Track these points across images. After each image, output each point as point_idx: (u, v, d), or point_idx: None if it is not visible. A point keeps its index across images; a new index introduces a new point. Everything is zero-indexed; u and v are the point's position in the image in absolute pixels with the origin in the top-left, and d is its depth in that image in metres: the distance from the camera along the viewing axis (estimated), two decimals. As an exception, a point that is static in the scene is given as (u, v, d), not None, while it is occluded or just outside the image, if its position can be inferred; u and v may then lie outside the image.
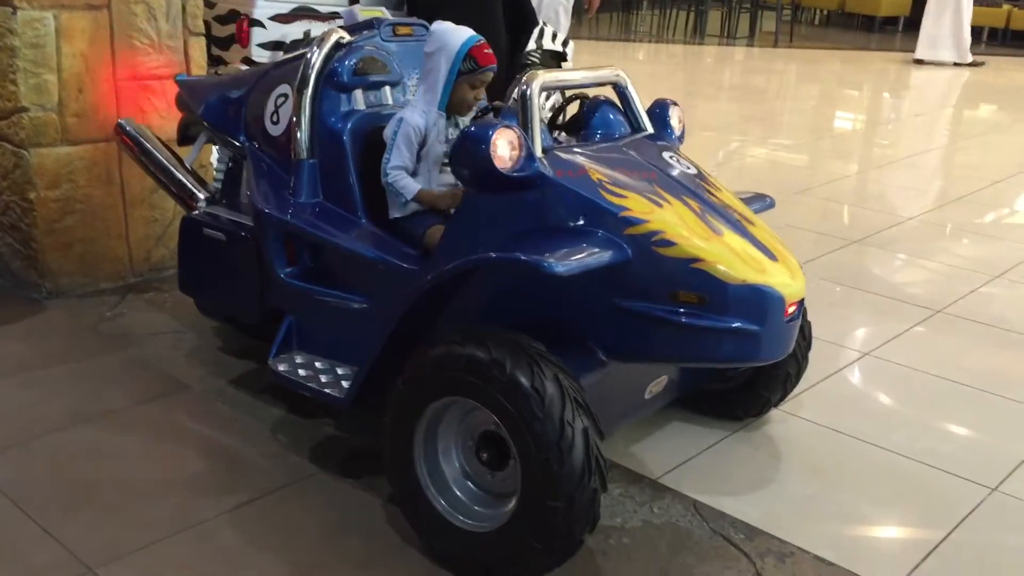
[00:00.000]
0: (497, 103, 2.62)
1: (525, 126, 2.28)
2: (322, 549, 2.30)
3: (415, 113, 2.56)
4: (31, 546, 2.25)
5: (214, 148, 3.37)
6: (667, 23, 14.51)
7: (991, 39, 13.86)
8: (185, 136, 3.37)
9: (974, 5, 13.45)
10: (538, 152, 2.27)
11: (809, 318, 2.82)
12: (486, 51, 2.58)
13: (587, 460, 2.01)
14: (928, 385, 3.32)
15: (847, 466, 2.78)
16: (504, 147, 2.19)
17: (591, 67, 2.63)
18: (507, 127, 2.21)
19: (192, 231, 3.04)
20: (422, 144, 2.56)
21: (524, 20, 4.46)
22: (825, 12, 15.98)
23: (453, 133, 2.60)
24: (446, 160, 2.55)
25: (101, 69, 3.56)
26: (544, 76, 2.37)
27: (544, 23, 5.18)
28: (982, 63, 11.77)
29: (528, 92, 2.30)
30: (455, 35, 2.57)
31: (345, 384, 2.55)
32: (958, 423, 3.09)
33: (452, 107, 2.59)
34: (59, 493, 2.46)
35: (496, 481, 2.24)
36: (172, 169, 3.28)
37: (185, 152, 3.35)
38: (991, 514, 2.57)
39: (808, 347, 2.84)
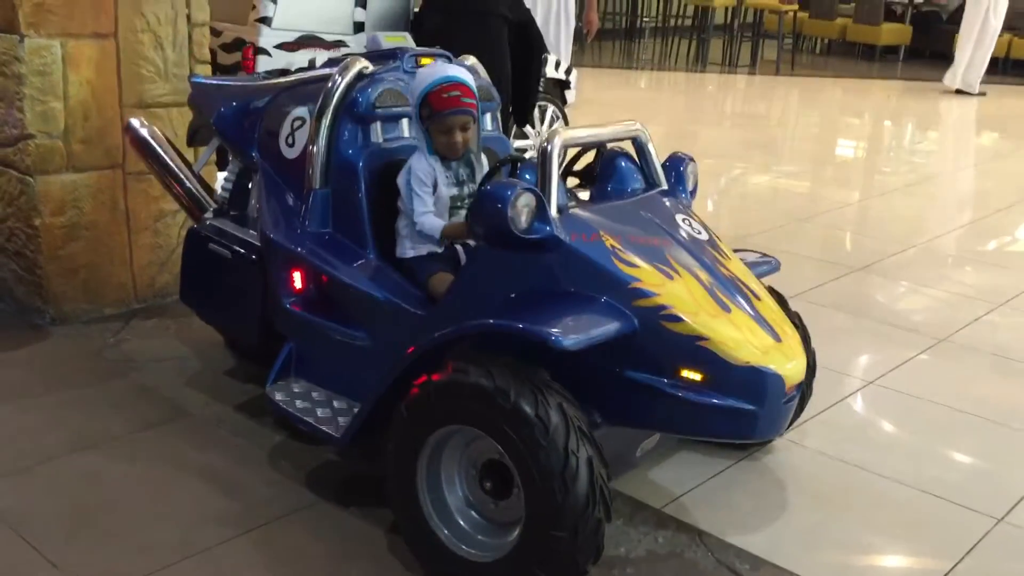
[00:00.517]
0: (516, 155, 2.62)
1: (543, 182, 2.29)
2: (324, 578, 2.28)
3: (421, 160, 2.57)
4: (30, 572, 2.24)
5: (219, 174, 3.37)
6: (669, 51, 14.59)
7: (991, 68, 13.92)
8: (193, 138, 3.35)
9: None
10: (553, 211, 2.27)
11: (813, 346, 2.81)
12: (446, 95, 2.52)
13: (591, 489, 2.00)
14: (933, 414, 3.31)
15: (852, 495, 2.76)
16: (522, 210, 2.20)
17: (612, 123, 2.61)
18: (527, 189, 2.21)
19: (198, 244, 3.02)
20: (434, 186, 2.56)
21: (531, 46, 4.48)
22: (826, 41, 16.05)
23: (464, 173, 2.61)
24: (458, 204, 2.57)
25: (107, 97, 3.57)
26: (566, 134, 2.37)
27: (547, 52, 5.22)
28: (983, 93, 11.84)
29: (549, 149, 2.30)
30: (420, 80, 2.57)
31: (341, 421, 2.54)
32: (963, 452, 3.08)
33: (440, 152, 2.58)
34: (60, 520, 2.45)
35: (500, 510, 2.23)
36: (180, 174, 3.23)
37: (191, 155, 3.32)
38: (998, 544, 2.56)
39: (812, 376, 2.83)
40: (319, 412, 2.59)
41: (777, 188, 6.74)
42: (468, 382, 2.08)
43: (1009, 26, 12.83)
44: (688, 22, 15.47)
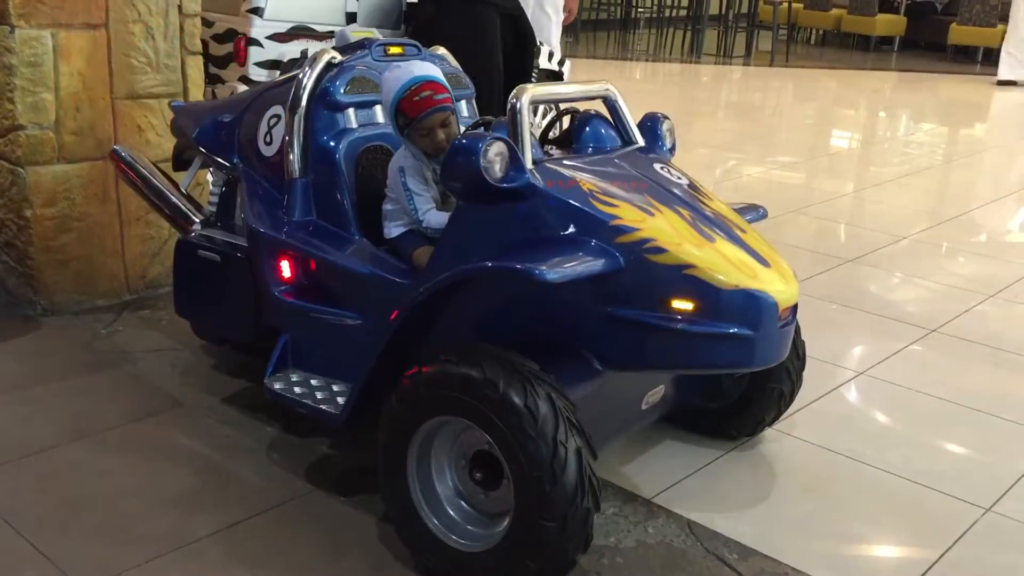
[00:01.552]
0: (488, 117, 2.63)
1: (515, 138, 2.29)
2: (315, 568, 2.29)
3: (410, 159, 2.56)
4: (21, 564, 2.25)
5: (209, 172, 3.37)
6: (664, 42, 14.59)
7: (986, 59, 13.94)
8: (180, 161, 3.38)
9: (974, 27, 13.56)
10: (528, 164, 2.28)
11: (804, 337, 2.82)
12: (417, 98, 2.50)
13: (580, 480, 2.01)
14: (923, 404, 3.32)
15: (842, 486, 2.77)
16: (493, 158, 2.20)
17: (581, 81, 2.64)
18: (497, 139, 2.22)
19: (187, 253, 3.04)
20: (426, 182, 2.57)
21: (523, 38, 4.48)
22: (821, 32, 16.07)
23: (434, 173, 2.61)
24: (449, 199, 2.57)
25: (98, 88, 3.57)
26: (534, 90, 2.38)
27: (540, 43, 5.20)
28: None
29: (518, 105, 2.31)
30: (387, 89, 2.55)
31: (341, 400, 2.54)
32: (953, 442, 3.09)
33: (428, 152, 2.56)
34: (51, 511, 2.45)
35: (489, 501, 2.24)
36: (167, 193, 3.28)
37: (180, 177, 3.36)
38: (986, 534, 2.57)
39: (802, 366, 2.84)
40: (318, 395, 2.60)
41: (771, 179, 6.75)
42: (457, 373, 2.08)
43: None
44: (683, 12, 15.46)
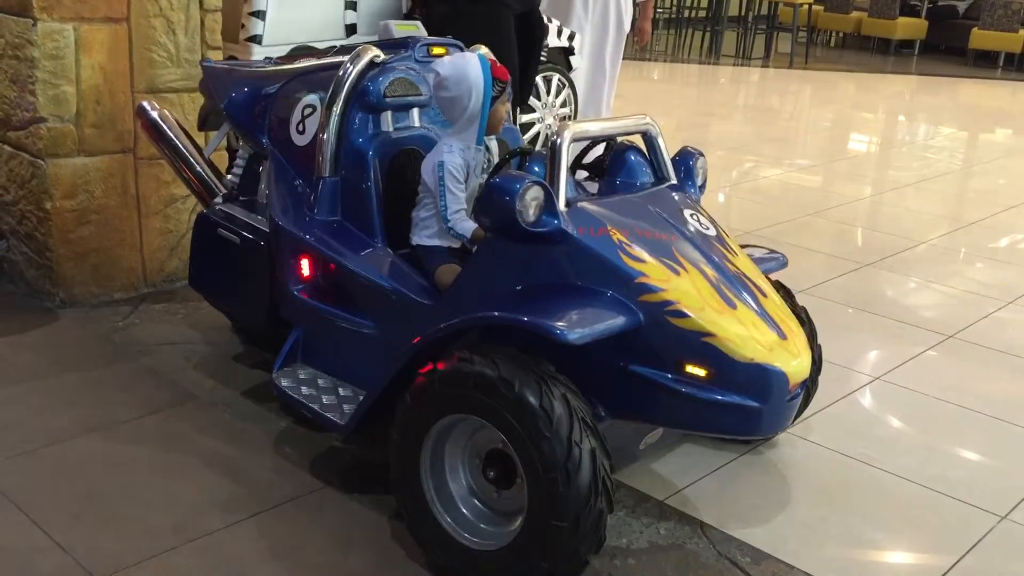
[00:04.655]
0: (526, 147, 2.62)
1: (552, 174, 2.28)
2: (327, 563, 2.30)
3: (454, 154, 2.55)
4: (37, 554, 2.26)
5: (238, 143, 3.33)
6: (682, 43, 14.54)
7: (1007, 64, 13.84)
8: (205, 122, 3.35)
9: (995, 31, 13.45)
10: (561, 205, 2.27)
11: (820, 341, 2.81)
12: (498, 65, 2.60)
13: (594, 480, 2.01)
14: (939, 410, 3.30)
15: (856, 491, 2.76)
16: (530, 202, 2.20)
17: (622, 116, 2.62)
18: (535, 183, 2.21)
19: (207, 229, 3.02)
20: (465, 180, 2.57)
21: (533, 33, 4.47)
22: (841, 34, 15.98)
23: (484, 157, 2.63)
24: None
25: (119, 81, 3.59)
26: (575, 128, 2.36)
27: (549, 18, 5.21)
28: None
29: (558, 142, 2.29)
30: (471, 67, 2.55)
31: (346, 408, 2.55)
32: (968, 449, 3.08)
33: (490, 130, 2.60)
34: (66, 501, 2.47)
35: (502, 499, 2.24)
36: (191, 159, 3.22)
37: (204, 140, 3.32)
38: (1001, 542, 2.55)
39: (818, 371, 2.83)
40: (324, 399, 2.60)
41: (788, 182, 6.72)
42: (473, 371, 2.09)
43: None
44: (702, 13, 15.40)
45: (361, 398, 2.51)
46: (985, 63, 14.07)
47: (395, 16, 4.74)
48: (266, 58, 3.46)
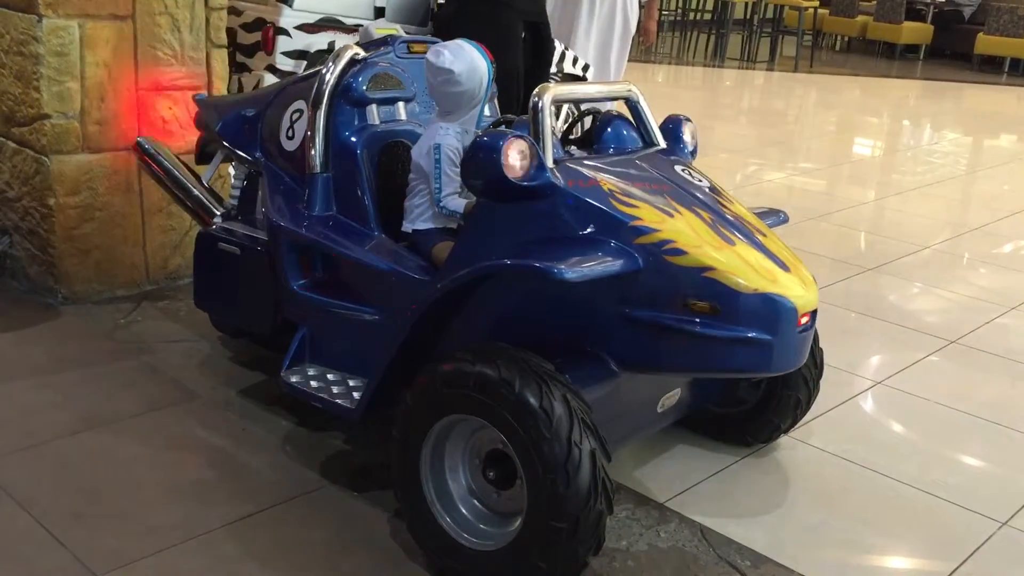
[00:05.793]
0: (509, 116, 2.63)
1: (537, 137, 2.29)
2: (327, 562, 2.30)
3: (449, 137, 2.54)
4: (37, 550, 2.26)
5: (231, 166, 3.39)
6: (687, 46, 14.54)
7: (1013, 70, 13.83)
8: (203, 154, 3.40)
9: (1001, 36, 13.43)
10: (549, 163, 2.27)
11: (822, 345, 2.81)
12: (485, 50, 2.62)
13: (594, 482, 2.01)
14: (940, 416, 3.30)
15: (856, 495, 2.76)
16: (515, 156, 2.20)
17: (604, 82, 2.65)
18: (518, 137, 2.22)
19: (207, 246, 3.06)
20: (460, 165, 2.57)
21: (542, 46, 4.47)
22: (846, 38, 15.97)
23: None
24: None
25: (123, 79, 3.59)
26: (556, 89, 2.38)
27: (566, 47, 5.19)
28: None
29: (540, 104, 2.32)
30: (476, 58, 2.56)
31: (356, 395, 2.55)
32: (969, 455, 3.07)
33: None
34: (67, 498, 2.47)
35: (502, 500, 2.24)
36: (189, 186, 3.30)
37: (202, 170, 3.38)
38: (1001, 548, 2.55)
39: (820, 374, 2.83)
40: (334, 389, 2.61)
41: (792, 185, 6.72)
42: (473, 371, 2.09)
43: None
44: (707, 16, 15.40)
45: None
46: (990, 68, 14.06)
47: (423, 6, 4.77)
48: (267, 67, 3.51)
